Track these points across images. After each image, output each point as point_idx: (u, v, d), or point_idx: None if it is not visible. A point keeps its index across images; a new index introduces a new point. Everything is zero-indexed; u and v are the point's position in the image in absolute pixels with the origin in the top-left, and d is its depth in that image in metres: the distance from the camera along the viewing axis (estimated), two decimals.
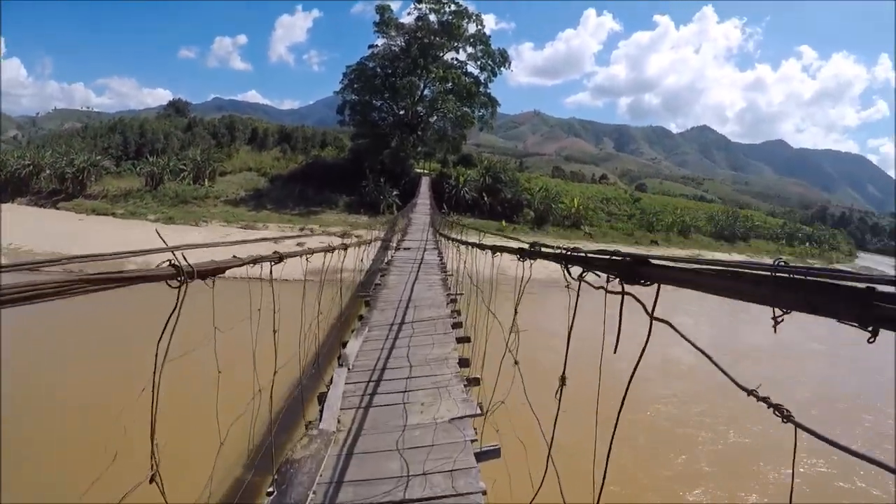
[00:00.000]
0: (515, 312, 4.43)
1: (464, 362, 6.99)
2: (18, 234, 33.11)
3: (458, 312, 10.21)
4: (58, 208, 47.09)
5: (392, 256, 19.13)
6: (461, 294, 11.94)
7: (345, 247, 7.50)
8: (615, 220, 61.49)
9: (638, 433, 11.89)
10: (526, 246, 3.89)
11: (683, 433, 12.61)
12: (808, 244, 77.57)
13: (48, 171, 51.70)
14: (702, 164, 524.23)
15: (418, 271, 14.89)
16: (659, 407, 13.83)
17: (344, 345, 7.77)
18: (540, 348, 12.97)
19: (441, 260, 17.81)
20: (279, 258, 3.81)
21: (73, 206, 46.78)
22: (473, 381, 6.28)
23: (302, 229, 41.31)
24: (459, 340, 8.10)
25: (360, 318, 9.96)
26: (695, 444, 12.14)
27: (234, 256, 3.03)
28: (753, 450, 12.01)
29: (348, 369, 6.40)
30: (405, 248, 21.15)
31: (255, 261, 3.30)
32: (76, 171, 50.54)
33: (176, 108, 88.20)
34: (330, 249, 6.37)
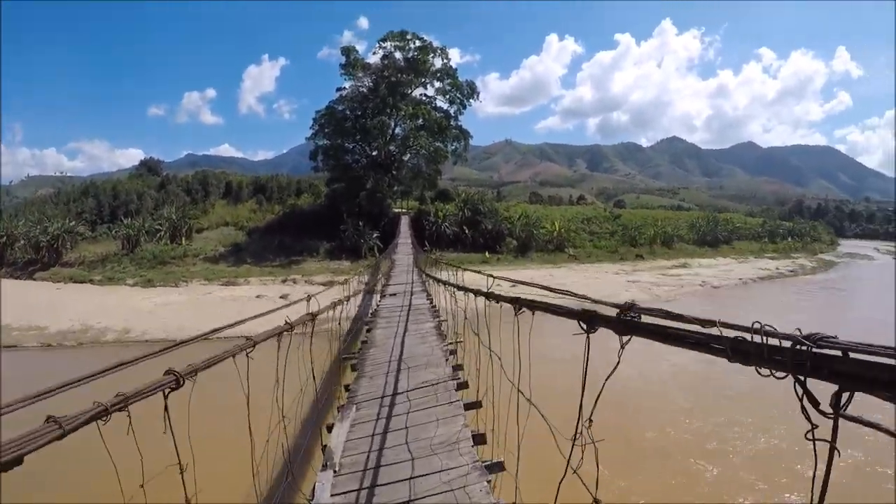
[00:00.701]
0: (583, 423, 2.87)
1: (479, 439, 5.70)
2: None
3: (461, 367, 8.96)
4: (34, 279, 45.81)
5: (378, 305, 17.75)
6: (460, 342, 10.60)
7: (312, 317, 5.79)
8: (597, 238, 61.40)
9: None
10: (599, 306, 2.65)
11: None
12: (790, 239, 78.67)
13: (22, 241, 50.62)
14: (675, 174, 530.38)
15: (407, 321, 13.56)
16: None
17: (329, 428, 6.53)
18: (547, 381, 11.81)
19: (431, 303, 16.55)
20: (176, 380, 2.43)
21: (50, 276, 45.69)
22: (496, 467, 5.06)
23: (284, 281, 40.34)
24: (468, 407, 6.78)
25: (347, 388, 8.61)
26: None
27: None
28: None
29: (334, 472, 5.07)
30: (391, 294, 19.73)
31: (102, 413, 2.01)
32: (51, 239, 49.41)
33: (148, 167, 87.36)
34: (287, 328, 4.64)
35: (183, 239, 52.93)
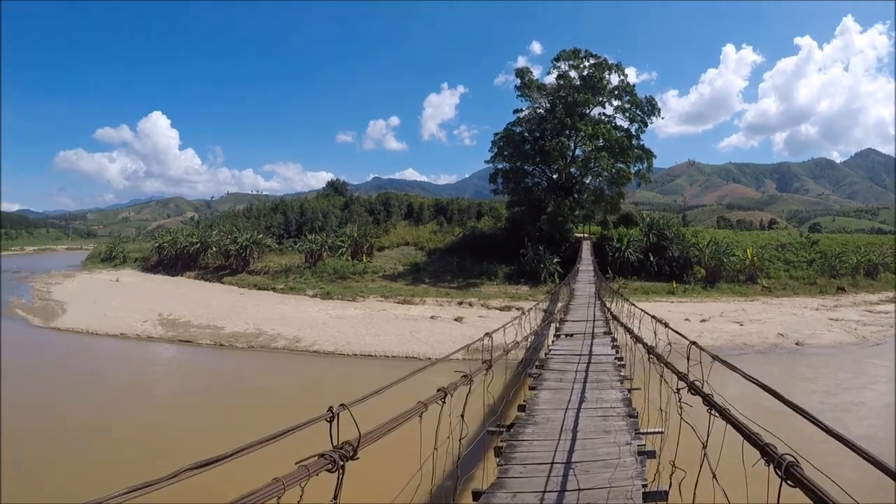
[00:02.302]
0: None
1: None
2: (181, 307, 36.72)
3: (664, 497, 5.69)
4: (222, 282, 51.33)
5: (549, 349, 14.95)
6: (660, 432, 7.12)
7: (489, 365, 4.70)
8: (793, 268, 54.88)
9: None
10: None
11: None
12: None
13: (214, 249, 56.63)
14: (873, 191, 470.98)
15: (585, 381, 10.47)
16: None
17: None
18: None
19: (617, 353, 13.49)
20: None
21: (236, 281, 50.73)
22: None
23: (460, 303, 40.19)
24: None
25: (476, 497, 5.84)
26: None
27: None
28: None
29: None
30: (566, 335, 16.76)
31: None
32: (239, 249, 54.92)
33: (334, 188, 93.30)
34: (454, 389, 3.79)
35: (364, 256, 55.20)
